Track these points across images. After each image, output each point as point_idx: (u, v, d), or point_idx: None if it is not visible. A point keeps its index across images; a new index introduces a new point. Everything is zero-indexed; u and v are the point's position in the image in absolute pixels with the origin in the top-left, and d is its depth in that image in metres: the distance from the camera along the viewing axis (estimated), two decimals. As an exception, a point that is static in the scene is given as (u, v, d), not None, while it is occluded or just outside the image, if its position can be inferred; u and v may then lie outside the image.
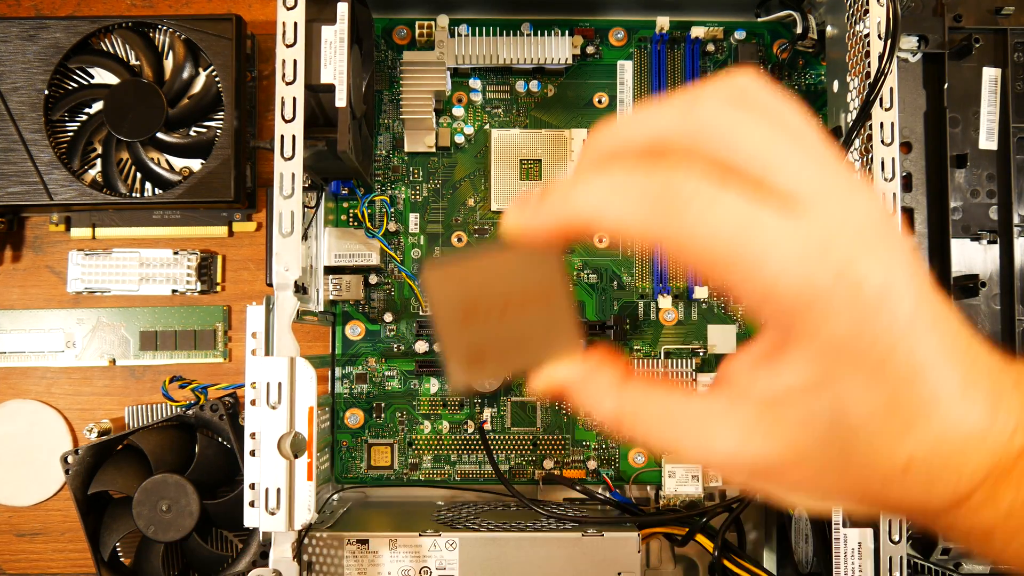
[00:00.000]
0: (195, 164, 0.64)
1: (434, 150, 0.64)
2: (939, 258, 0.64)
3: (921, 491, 0.25)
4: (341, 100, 0.51)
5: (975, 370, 0.25)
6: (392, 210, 0.64)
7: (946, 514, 0.26)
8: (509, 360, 0.29)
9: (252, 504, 0.48)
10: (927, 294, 0.24)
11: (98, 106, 0.63)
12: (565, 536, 0.55)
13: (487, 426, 0.64)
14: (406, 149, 0.64)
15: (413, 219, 0.64)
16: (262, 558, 0.54)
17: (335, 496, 0.63)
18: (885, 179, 0.53)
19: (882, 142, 0.53)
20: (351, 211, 0.64)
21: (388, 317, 0.64)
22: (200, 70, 0.64)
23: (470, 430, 0.64)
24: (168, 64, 0.64)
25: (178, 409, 0.63)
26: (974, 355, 0.25)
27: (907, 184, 0.64)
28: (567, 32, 0.64)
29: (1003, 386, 0.25)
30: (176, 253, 0.66)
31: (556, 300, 0.29)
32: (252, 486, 0.48)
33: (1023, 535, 0.25)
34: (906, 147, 0.64)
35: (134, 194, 0.64)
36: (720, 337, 0.64)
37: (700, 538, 0.60)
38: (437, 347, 0.30)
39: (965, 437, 0.25)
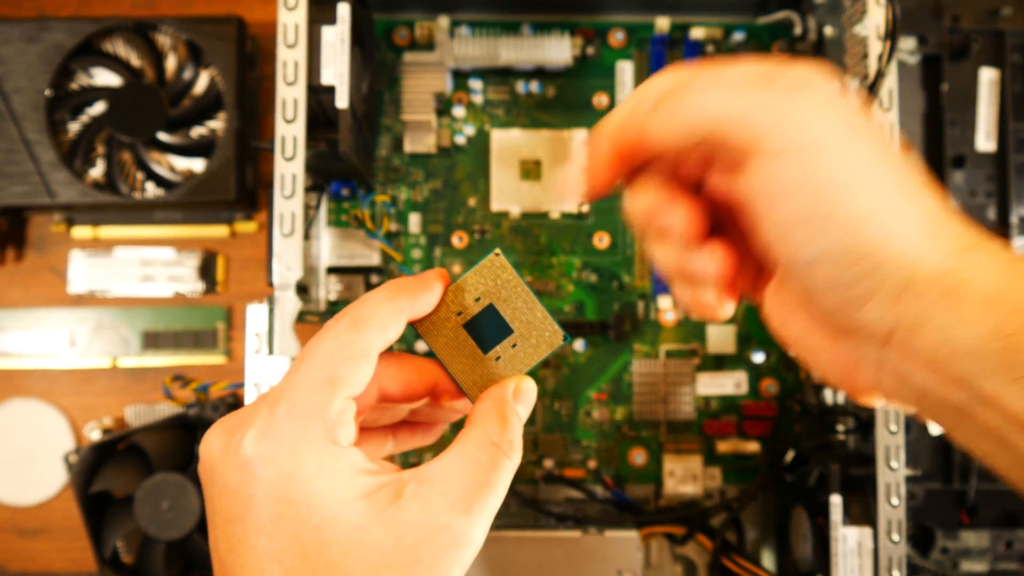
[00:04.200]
0: (197, 164, 0.64)
1: (435, 151, 0.64)
2: (938, 258, 0.64)
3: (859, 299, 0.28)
4: (342, 101, 0.51)
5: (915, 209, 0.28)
6: (393, 211, 0.64)
7: (893, 335, 0.28)
8: (511, 366, 0.34)
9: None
10: (867, 148, 0.28)
11: (100, 107, 0.64)
12: (565, 536, 0.55)
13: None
14: (406, 150, 0.64)
15: (414, 220, 0.65)
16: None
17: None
18: (884, 180, 0.53)
19: (881, 143, 0.53)
20: (352, 211, 0.64)
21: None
22: (201, 71, 0.64)
23: (470, 430, 0.64)
24: (170, 65, 0.64)
25: (180, 409, 0.63)
26: (914, 196, 0.28)
27: (906, 185, 0.64)
28: (568, 32, 0.64)
29: (939, 220, 0.28)
30: (178, 253, 0.66)
31: (523, 298, 0.33)
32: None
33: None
34: (905, 148, 0.65)
35: (136, 194, 0.64)
36: (719, 337, 0.64)
37: (700, 537, 0.61)
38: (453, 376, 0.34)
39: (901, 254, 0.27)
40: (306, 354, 0.30)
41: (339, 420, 0.29)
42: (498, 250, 0.34)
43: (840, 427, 0.58)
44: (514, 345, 0.34)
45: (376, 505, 0.28)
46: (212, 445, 0.30)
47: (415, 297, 0.33)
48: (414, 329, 0.34)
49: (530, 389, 0.33)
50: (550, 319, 0.34)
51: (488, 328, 0.34)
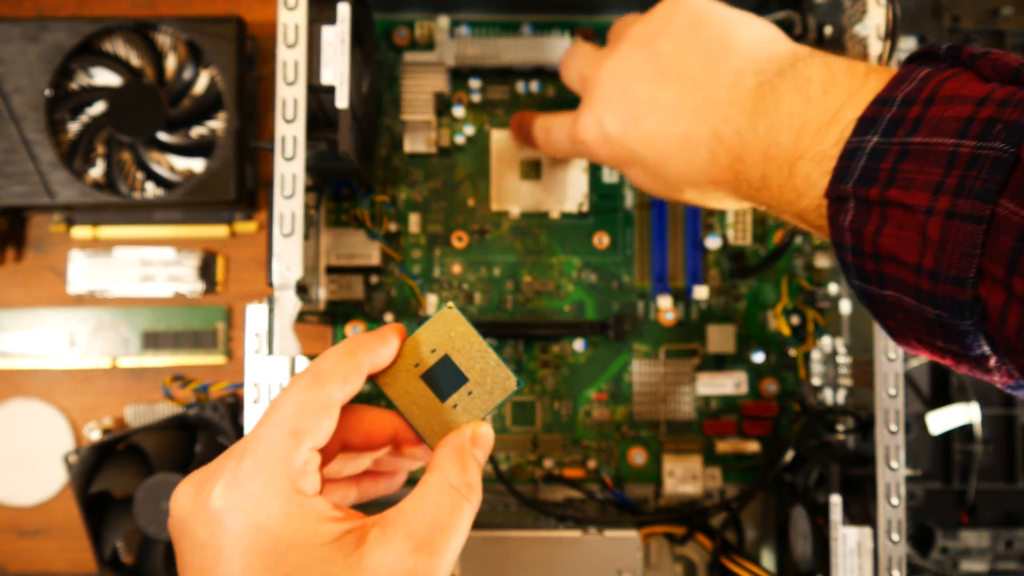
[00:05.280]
0: (196, 164, 0.65)
1: (434, 151, 0.64)
2: (938, 258, 0.64)
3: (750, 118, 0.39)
4: (342, 101, 0.51)
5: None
6: (393, 210, 0.64)
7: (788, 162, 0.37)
8: (468, 413, 0.36)
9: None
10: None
11: (100, 107, 0.64)
12: (565, 536, 0.55)
13: (487, 426, 0.64)
14: (406, 150, 0.64)
15: (414, 219, 0.65)
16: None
17: (336, 495, 0.63)
18: (884, 180, 0.53)
19: (881, 143, 0.53)
20: (352, 211, 0.64)
21: (388, 317, 0.64)
22: (201, 71, 0.64)
23: (470, 430, 0.64)
24: (169, 65, 0.64)
25: (179, 409, 0.63)
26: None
27: (906, 185, 0.64)
28: (568, 32, 0.64)
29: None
30: (178, 253, 0.66)
31: (476, 348, 0.36)
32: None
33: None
34: (905, 148, 0.65)
35: (136, 194, 0.64)
36: (720, 337, 0.64)
37: (699, 537, 0.61)
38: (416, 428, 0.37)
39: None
40: (271, 409, 0.32)
41: (303, 471, 0.30)
42: (451, 303, 0.36)
43: (840, 427, 0.58)
44: (470, 393, 0.35)
45: (342, 551, 0.29)
46: (181, 500, 0.31)
47: (373, 351, 0.34)
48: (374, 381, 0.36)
49: (487, 434, 0.35)
50: (503, 366, 0.36)
51: (444, 377, 0.35)
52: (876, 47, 0.53)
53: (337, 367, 0.33)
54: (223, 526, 0.29)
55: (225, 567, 0.28)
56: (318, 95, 0.52)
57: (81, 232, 0.67)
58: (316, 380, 0.32)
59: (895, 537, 0.51)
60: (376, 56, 0.65)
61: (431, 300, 0.64)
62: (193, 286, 0.66)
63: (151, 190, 0.64)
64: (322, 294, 0.62)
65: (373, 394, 0.64)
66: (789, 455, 0.59)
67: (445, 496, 0.32)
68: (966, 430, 0.62)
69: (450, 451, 0.33)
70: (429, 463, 0.34)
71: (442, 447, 0.34)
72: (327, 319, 0.63)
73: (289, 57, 0.50)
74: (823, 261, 0.64)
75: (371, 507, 0.37)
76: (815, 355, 0.61)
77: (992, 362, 0.30)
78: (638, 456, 0.64)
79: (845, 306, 0.60)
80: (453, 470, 0.33)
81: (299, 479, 0.30)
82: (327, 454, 0.34)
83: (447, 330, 0.36)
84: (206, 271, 0.67)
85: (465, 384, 0.36)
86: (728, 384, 0.64)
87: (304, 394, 0.31)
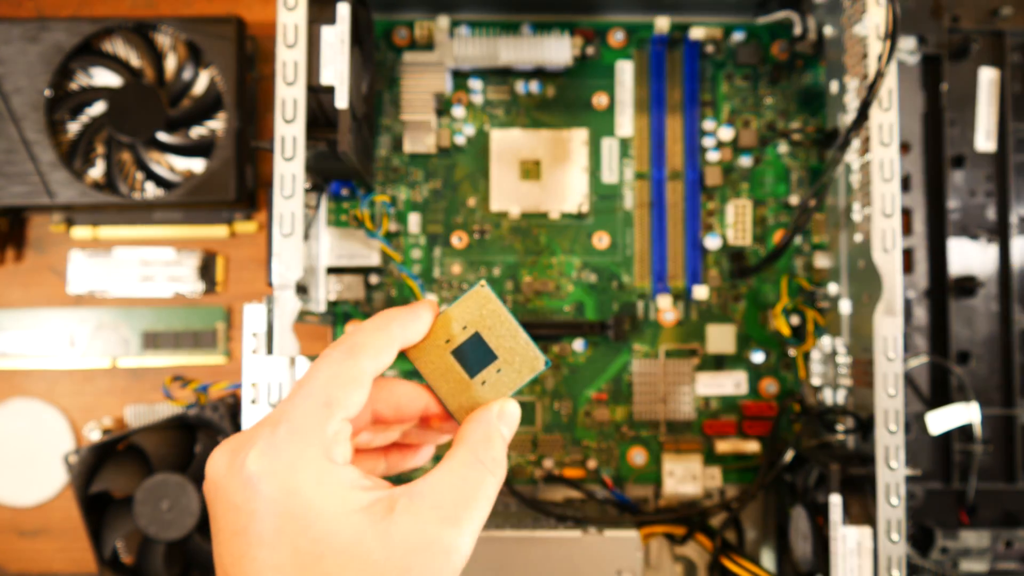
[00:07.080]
0: (196, 164, 0.65)
1: (434, 151, 0.64)
2: (937, 259, 0.64)
3: None
4: (342, 101, 0.51)
5: None
6: (392, 210, 0.64)
7: None
8: (495, 390, 0.36)
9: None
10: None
11: (100, 107, 0.64)
12: (565, 536, 0.55)
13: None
14: (406, 150, 0.64)
15: (413, 220, 0.65)
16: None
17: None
18: (884, 179, 0.53)
19: (881, 143, 0.53)
20: (351, 211, 0.64)
21: (388, 317, 0.64)
22: (201, 71, 0.64)
23: (470, 430, 0.64)
24: (169, 65, 0.64)
25: (179, 409, 0.63)
26: None
27: (905, 184, 0.64)
28: (568, 32, 0.64)
29: None
30: (177, 253, 0.66)
31: (507, 327, 0.36)
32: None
33: None
34: (905, 148, 0.65)
35: (135, 194, 0.64)
36: (719, 337, 0.64)
37: (699, 537, 0.61)
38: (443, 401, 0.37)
39: None
40: (305, 379, 0.32)
41: (335, 440, 0.31)
42: (483, 282, 0.37)
43: (840, 427, 0.58)
44: (498, 370, 0.36)
45: (371, 518, 0.30)
46: (217, 464, 0.31)
47: (406, 327, 0.35)
48: (406, 355, 0.36)
49: (514, 411, 0.36)
50: (532, 346, 0.36)
51: (474, 355, 0.36)
52: (876, 47, 0.53)
53: (370, 341, 0.33)
54: (256, 490, 0.30)
55: (257, 530, 0.29)
56: (318, 95, 0.52)
57: (81, 232, 0.67)
58: (349, 353, 0.33)
59: (895, 537, 0.51)
60: (376, 56, 0.65)
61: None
62: (193, 286, 0.66)
63: (151, 190, 0.64)
64: (322, 294, 0.62)
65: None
66: (789, 455, 0.59)
67: (471, 470, 0.33)
68: (966, 430, 0.62)
69: (477, 426, 0.34)
70: (456, 437, 0.35)
71: (469, 422, 0.35)
72: (327, 319, 0.63)
73: (289, 57, 0.50)
74: (823, 261, 0.64)
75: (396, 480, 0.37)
76: (815, 355, 0.62)
77: None
78: (638, 456, 0.64)
79: (845, 306, 0.60)
80: (479, 444, 0.33)
81: (331, 448, 0.31)
82: (358, 425, 0.35)
83: (479, 308, 0.36)
84: (206, 271, 0.67)
85: (494, 362, 0.36)
86: (728, 384, 0.64)
87: (337, 366, 0.32)
